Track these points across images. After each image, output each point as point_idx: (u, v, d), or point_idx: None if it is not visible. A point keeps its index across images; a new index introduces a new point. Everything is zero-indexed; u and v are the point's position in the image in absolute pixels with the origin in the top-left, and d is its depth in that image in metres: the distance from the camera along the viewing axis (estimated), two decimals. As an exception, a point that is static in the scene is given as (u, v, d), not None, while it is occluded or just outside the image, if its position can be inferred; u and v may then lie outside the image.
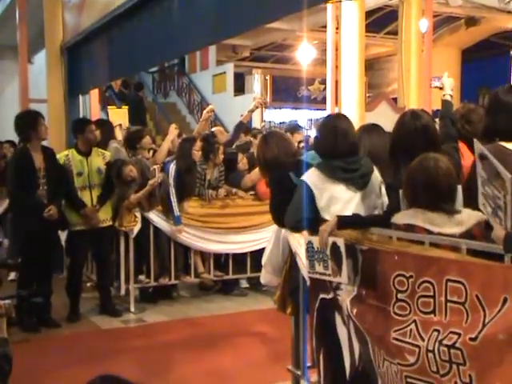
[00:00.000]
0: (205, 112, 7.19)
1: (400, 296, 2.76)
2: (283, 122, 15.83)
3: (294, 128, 7.84)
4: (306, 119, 14.94)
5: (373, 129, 3.99)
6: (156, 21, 6.13)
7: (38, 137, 5.65)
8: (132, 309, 6.27)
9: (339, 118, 3.72)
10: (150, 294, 6.68)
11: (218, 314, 6.27)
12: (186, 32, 5.60)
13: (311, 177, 3.51)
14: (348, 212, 3.33)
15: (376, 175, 3.58)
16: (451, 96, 4.01)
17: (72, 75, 8.76)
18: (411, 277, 2.69)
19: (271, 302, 4.32)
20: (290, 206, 3.56)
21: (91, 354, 5.06)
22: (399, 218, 2.94)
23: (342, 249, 3.06)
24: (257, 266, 6.75)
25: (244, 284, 7.13)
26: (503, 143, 3.08)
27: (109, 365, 4.79)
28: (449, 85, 3.99)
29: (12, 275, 7.71)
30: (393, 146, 3.36)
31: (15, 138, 8.67)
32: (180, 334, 5.62)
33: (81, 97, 9.07)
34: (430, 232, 2.77)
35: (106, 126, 7.03)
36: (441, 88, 4.08)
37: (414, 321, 2.62)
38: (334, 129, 3.55)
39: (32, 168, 5.55)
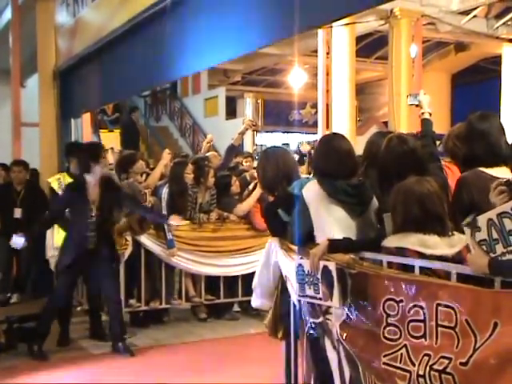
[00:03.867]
0: (205, 143, 7.36)
1: (390, 320, 2.76)
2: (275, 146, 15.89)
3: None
4: (297, 142, 15.03)
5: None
6: (148, 46, 6.18)
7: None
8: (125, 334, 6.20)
9: (340, 138, 3.68)
10: (141, 319, 6.63)
11: (209, 338, 6.22)
12: (177, 57, 5.65)
13: (310, 192, 3.46)
14: (341, 236, 3.31)
15: (374, 203, 3.54)
16: (430, 114, 4.06)
17: (64, 99, 8.79)
18: (401, 301, 2.70)
19: (263, 325, 4.30)
20: (293, 220, 3.55)
21: (81, 379, 5.01)
22: (389, 242, 2.94)
23: (334, 273, 3.06)
24: (248, 290, 6.70)
25: (235, 308, 7.10)
26: (483, 169, 3.12)
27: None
28: (426, 102, 4.04)
29: (14, 297, 7.68)
30: (381, 171, 3.38)
31: (7, 161, 8.70)
32: (171, 359, 5.56)
33: (73, 120, 9.08)
34: (422, 254, 2.77)
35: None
36: (417, 105, 4.13)
37: (405, 345, 2.62)
38: (336, 149, 3.52)
39: None
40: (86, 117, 9.33)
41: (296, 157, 4.79)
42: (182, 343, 6.05)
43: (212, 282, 6.80)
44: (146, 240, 6.35)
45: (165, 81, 10.15)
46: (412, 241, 2.81)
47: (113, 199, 5.69)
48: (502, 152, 3.20)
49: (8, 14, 10.81)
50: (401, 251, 2.84)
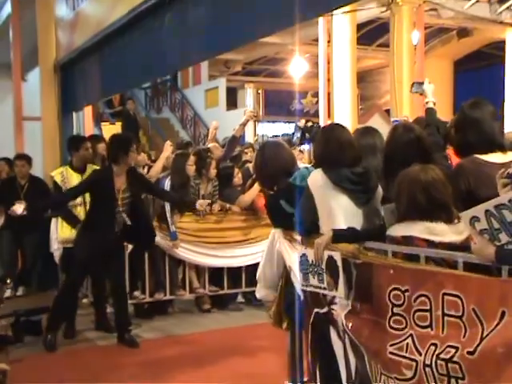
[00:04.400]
0: (211, 130, 7.31)
1: (396, 310, 2.76)
2: (276, 136, 15.87)
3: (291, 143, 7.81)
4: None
5: (367, 131, 3.95)
6: (148, 38, 6.16)
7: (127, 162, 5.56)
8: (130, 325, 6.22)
9: (340, 128, 3.67)
10: (146, 310, 6.65)
11: (214, 329, 6.23)
12: (177, 49, 5.64)
13: (315, 180, 3.46)
14: (346, 225, 3.30)
15: (379, 191, 3.52)
16: (434, 103, 4.05)
17: (65, 92, 8.79)
18: (407, 291, 2.69)
19: (267, 316, 4.31)
20: (298, 209, 3.55)
21: (87, 370, 5.02)
22: (395, 231, 2.92)
23: (339, 263, 3.06)
24: (252, 281, 6.74)
25: (239, 299, 7.11)
26: (477, 155, 3.12)
27: (104, 381, 4.77)
28: (430, 91, 4.02)
29: (8, 292, 7.69)
30: (386, 159, 3.37)
31: (11, 155, 8.70)
32: (176, 350, 5.57)
33: (74, 114, 9.08)
34: (430, 242, 2.76)
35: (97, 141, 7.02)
36: (421, 94, 4.12)
37: (411, 335, 2.61)
38: (338, 140, 3.50)
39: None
40: (88, 110, 9.34)
41: (297, 135, 4.76)
42: (186, 334, 6.06)
43: (216, 273, 6.81)
44: (150, 232, 6.35)
45: (165, 73, 10.13)
46: (419, 229, 2.79)
47: (139, 190, 5.71)
48: (496, 138, 3.20)
49: (8, 8, 10.80)
50: (408, 240, 2.81)
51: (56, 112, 8.88)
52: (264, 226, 6.34)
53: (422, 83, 4.18)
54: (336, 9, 5.94)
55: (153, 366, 5.13)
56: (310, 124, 4.53)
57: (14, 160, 8.03)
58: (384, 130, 3.82)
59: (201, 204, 5.92)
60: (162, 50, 5.84)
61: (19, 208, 5.25)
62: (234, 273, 6.84)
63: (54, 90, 8.88)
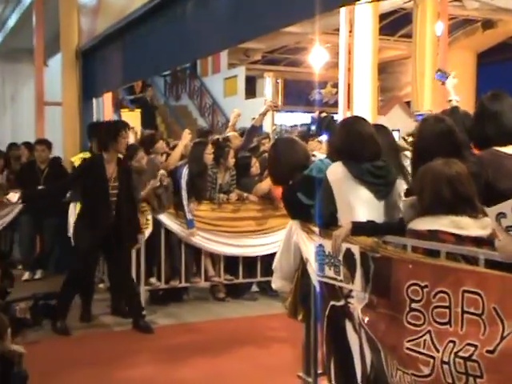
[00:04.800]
0: (232, 117, 7.30)
1: (414, 305, 2.73)
2: (295, 125, 15.80)
3: (308, 135, 7.74)
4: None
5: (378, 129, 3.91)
6: (170, 25, 6.14)
7: (117, 149, 5.58)
8: (143, 311, 6.25)
9: (361, 121, 3.63)
10: (161, 297, 6.68)
11: (228, 317, 6.25)
12: (199, 37, 5.60)
13: (334, 173, 3.43)
14: (365, 219, 3.27)
15: (398, 185, 3.50)
16: (457, 101, 4.01)
17: (86, 79, 8.81)
18: (426, 286, 2.67)
19: (281, 306, 4.31)
20: (316, 201, 3.53)
21: (102, 355, 5.08)
22: (419, 224, 2.86)
23: (357, 256, 3.04)
24: (267, 271, 6.73)
25: (254, 288, 7.12)
26: (497, 148, 3.07)
27: (119, 366, 4.82)
28: (451, 86, 3.98)
29: (26, 275, 7.77)
30: (416, 151, 3.31)
31: (31, 140, 8.76)
32: (190, 338, 5.60)
33: (94, 100, 9.11)
34: (456, 236, 2.71)
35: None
36: (442, 83, 4.07)
37: (429, 331, 2.59)
38: (360, 133, 3.47)
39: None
40: (108, 96, 9.35)
41: (313, 127, 4.74)
42: (200, 322, 6.09)
43: (231, 262, 6.81)
44: (166, 219, 6.38)
45: (187, 61, 10.10)
46: (444, 223, 2.75)
47: (129, 178, 5.72)
48: None
49: (32, -6, 10.83)
50: (433, 234, 2.77)
51: (77, 98, 8.91)
52: (280, 216, 6.32)
53: (446, 74, 4.13)
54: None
55: (167, 352, 5.16)
56: (323, 115, 4.51)
57: (34, 145, 8.11)
58: (404, 122, 3.79)
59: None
60: (184, 37, 5.81)
61: (14, 197, 5.32)
62: (250, 262, 6.85)
63: (76, 76, 8.91)
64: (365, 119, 3.69)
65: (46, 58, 11.43)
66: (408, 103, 12.80)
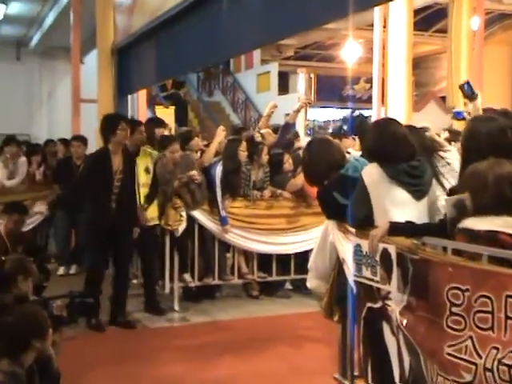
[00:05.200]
0: (268, 108, 7.19)
1: (454, 309, 2.67)
2: (328, 121, 15.74)
3: (341, 133, 7.66)
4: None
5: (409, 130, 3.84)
6: (205, 23, 6.14)
7: (117, 140, 5.64)
8: (176, 307, 6.30)
9: (394, 123, 3.60)
10: (193, 294, 6.70)
11: (261, 316, 6.25)
12: (234, 35, 5.60)
13: (370, 174, 3.40)
14: (403, 220, 3.21)
15: (435, 186, 3.46)
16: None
17: (121, 76, 8.88)
18: (467, 290, 2.60)
19: (315, 304, 4.27)
20: (350, 202, 3.50)
21: (134, 352, 5.12)
22: (475, 224, 2.77)
23: (393, 256, 2.99)
24: (301, 268, 6.71)
25: (288, 286, 7.10)
26: None
27: (150, 364, 4.84)
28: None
29: (61, 270, 7.88)
30: (465, 150, 3.23)
31: (66, 136, 8.87)
32: (222, 336, 5.61)
33: (129, 96, 9.18)
34: None
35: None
36: (469, 99, 3.99)
37: (470, 337, 2.53)
38: (393, 135, 3.44)
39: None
40: (142, 93, 9.42)
41: (344, 126, 4.72)
42: (233, 320, 6.09)
43: (264, 260, 6.80)
44: (200, 216, 6.39)
45: (221, 59, 10.07)
46: (499, 223, 2.65)
47: (133, 169, 5.77)
48: None
49: (69, -7, 10.95)
50: (492, 234, 2.66)
51: (112, 95, 8.99)
52: (313, 214, 6.31)
53: (474, 90, 4.05)
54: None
55: (198, 350, 5.17)
56: (355, 114, 4.47)
57: (70, 141, 8.22)
58: (439, 118, 3.73)
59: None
60: (218, 35, 5.81)
61: (42, 208, 5.44)
62: (283, 260, 6.83)
63: (111, 73, 8.99)
64: (397, 120, 3.67)
65: (82, 56, 11.56)
66: (443, 98, 12.60)
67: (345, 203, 3.63)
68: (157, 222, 6.17)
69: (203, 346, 5.30)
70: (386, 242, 3.11)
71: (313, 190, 6.06)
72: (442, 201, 3.43)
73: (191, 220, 6.34)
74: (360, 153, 4.16)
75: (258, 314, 6.28)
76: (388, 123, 3.66)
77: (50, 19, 15.40)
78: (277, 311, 6.38)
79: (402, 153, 3.39)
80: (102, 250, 5.76)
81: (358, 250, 3.31)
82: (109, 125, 5.70)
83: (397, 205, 3.32)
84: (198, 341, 5.46)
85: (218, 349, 5.20)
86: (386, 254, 3.09)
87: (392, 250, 3.04)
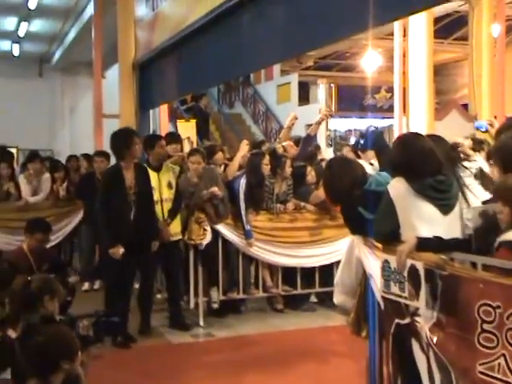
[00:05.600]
0: (289, 119, 7.18)
1: (486, 327, 2.64)
2: (349, 130, 15.69)
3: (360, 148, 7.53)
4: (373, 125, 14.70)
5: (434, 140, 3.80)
6: (226, 38, 6.17)
7: (132, 155, 5.67)
8: (201, 323, 6.28)
9: (419, 137, 3.57)
10: (218, 308, 6.66)
11: (286, 329, 6.21)
12: (256, 49, 5.62)
13: (396, 188, 3.37)
14: (430, 235, 3.19)
15: (461, 200, 3.43)
16: None
17: (143, 90, 8.94)
18: (498, 307, 2.57)
19: (340, 317, 4.24)
20: (376, 217, 3.47)
21: (161, 368, 5.11)
22: None
23: (421, 272, 2.96)
24: (325, 281, 6.69)
25: (312, 299, 7.06)
26: None
27: (178, 380, 4.83)
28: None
29: (85, 285, 7.91)
30: (500, 163, 3.18)
31: (88, 151, 8.93)
32: (249, 351, 5.58)
33: (151, 111, 9.24)
34: None
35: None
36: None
37: (503, 355, 2.49)
38: (420, 151, 3.40)
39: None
40: (164, 107, 9.47)
41: (361, 141, 4.69)
42: (258, 334, 6.05)
43: (289, 273, 6.77)
44: (224, 229, 6.38)
45: (243, 73, 10.09)
46: None
47: (148, 186, 5.75)
48: None
49: (90, 9, 11.06)
50: None
51: (134, 109, 9.05)
52: (337, 226, 6.28)
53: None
54: (414, 13, 5.64)
55: (224, 366, 5.15)
56: (372, 129, 4.45)
57: (93, 156, 8.25)
58: (462, 127, 3.70)
59: None
60: (240, 50, 5.83)
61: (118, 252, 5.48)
62: (308, 273, 6.79)
63: (132, 88, 9.05)
64: (422, 135, 3.63)
65: (104, 70, 11.67)
66: (464, 106, 12.50)
67: (369, 218, 3.60)
68: (180, 237, 6.18)
69: (228, 362, 5.27)
70: (413, 257, 3.08)
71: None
72: (467, 214, 3.41)
73: (215, 234, 6.33)
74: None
75: (283, 328, 6.25)
76: (414, 138, 3.62)
77: (71, 35, 15.62)
78: (302, 325, 6.34)
79: (429, 168, 3.36)
80: (121, 266, 5.64)
81: (386, 265, 3.28)
82: (123, 140, 5.68)
83: (423, 219, 3.29)
84: (223, 356, 5.44)
85: (243, 364, 5.17)
86: (413, 270, 3.05)
87: (420, 266, 3.00)
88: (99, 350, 5.29)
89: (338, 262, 6.13)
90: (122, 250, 5.49)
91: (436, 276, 2.97)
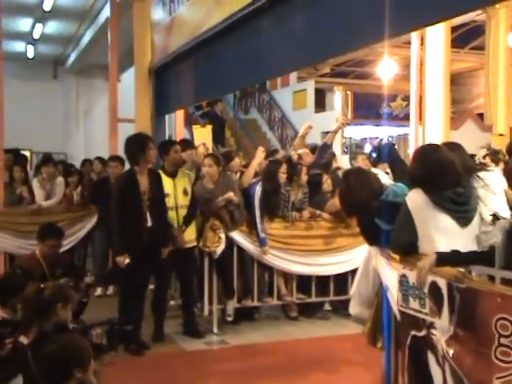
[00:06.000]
0: (303, 128, 7.17)
1: (503, 341, 2.63)
2: (364, 139, 15.66)
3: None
4: (387, 136, 14.69)
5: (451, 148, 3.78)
6: (243, 45, 6.17)
7: (147, 160, 5.68)
8: (215, 330, 6.27)
9: (439, 149, 3.55)
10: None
11: (300, 338, 6.18)
12: (274, 56, 5.62)
13: (414, 200, 3.36)
14: (448, 247, 3.17)
15: (479, 212, 3.42)
16: None
17: (159, 95, 8.93)
18: (516, 322, 2.56)
19: (355, 326, 4.21)
20: (393, 229, 3.46)
21: (175, 376, 5.11)
22: None
23: (444, 290, 2.94)
24: (340, 289, 6.67)
25: (327, 307, 7.04)
26: None
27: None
28: None
29: (98, 291, 7.92)
30: None
31: (102, 154, 8.93)
32: (261, 360, 5.56)
33: (166, 116, 9.23)
34: None
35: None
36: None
37: (521, 369, 2.47)
38: (439, 163, 3.39)
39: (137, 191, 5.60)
40: (179, 112, 9.46)
41: (374, 154, 4.69)
42: (272, 342, 6.03)
43: (304, 281, 6.74)
44: (239, 237, 6.37)
45: (259, 80, 10.05)
46: None
47: (161, 192, 5.75)
48: None
49: (106, 12, 11.09)
50: None
51: (149, 114, 9.04)
52: (353, 234, 6.27)
53: None
54: (431, 24, 5.62)
55: (237, 375, 5.13)
56: (384, 142, 4.45)
57: (107, 161, 8.25)
58: (477, 137, 3.68)
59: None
60: (256, 57, 5.83)
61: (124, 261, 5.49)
62: (322, 281, 6.77)
63: (148, 93, 9.05)
64: (441, 146, 3.61)
65: (119, 74, 11.69)
66: (480, 115, 12.44)
67: (386, 229, 3.59)
68: (195, 244, 6.17)
69: (242, 370, 5.26)
70: (434, 274, 3.05)
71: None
72: (483, 226, 3.39)
73: (230, 241, 6.32)
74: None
75: (296, 336, 6.23)
76: (434, 150, 3.59)
77: (86, 38, 15.63)
78: (316, 333, 6.32)
79: (448, 180, 3.34)
80: (134, 273, 5.61)
81: (404, 280, 3.26)
82: (137, 145, 5.68)
83: (441, 231, 3.27)
84: (237, 365, 5.43)
85: (256, 372, 5.16)
86: (435, 286, 3.04)
87: (442, 283, 2.98)
88: (112, 357, 5.34)
89: (352, 271, 6.18)
90: (127, 260, 5.50)
91: (454, 289, 2.96)
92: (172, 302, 6.97)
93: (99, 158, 8.84)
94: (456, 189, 3.35)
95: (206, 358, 5.63)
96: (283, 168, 6.42)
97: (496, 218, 3.38)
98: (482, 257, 3.02)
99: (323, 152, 6.95)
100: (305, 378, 4.99)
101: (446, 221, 3.29)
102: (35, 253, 5.31)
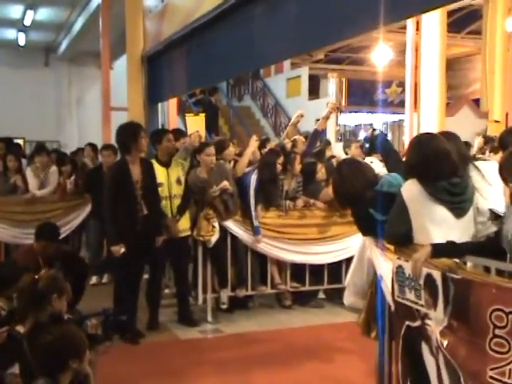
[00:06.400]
0: (294, 117, 7.12)
1: (498, 332, 2.61)
2: (358, 125, 15.61)
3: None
4: (382, 123, 14.65)
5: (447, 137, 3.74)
6: (236, 33, 6.11)
7: (139, 149, 5.63)
8: (209, 319, 6.27)
9: (436, 138, 3.49)
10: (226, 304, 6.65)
11: (294, 326, 6.19)
12: (267, 44, 5.56)
13: (409, 190, 3.33)
14: (443, 238, 3.14)
15: (475, 203, 3.38)
16: None
17: (152, 84, 8.85)
18: (511, 313, 2.53)
19: (349, 314, 4.20)
20: (388, 219, 3.43)
21: (169, 364, 5.11)
22: None
23: (439, 282, 2.91)
24: (334, 278, 6.67)
25: (320, 295, 7.03)
26: None
27: (183, 377, 4.82)
28: None
29: (93, 279, 7.90)
30: None
31: (98, 143, 8.87)
32: (256, 347, 5.58)
33: (159, 104, 9.17)
34: None
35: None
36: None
37: (515, 361, 2.46)
38: (435, 152, 3.34)
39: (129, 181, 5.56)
40: (172, 101, 9.39)
41: (366, 145, 4.65)
42: (266, 331, 6.04)
43: (297, 269, 6.73)
44: (233, 226, 6.34)
45: (253, 67, 10.00)
46: None
47: (153, 181, 5.73)
48: None
49: (98, -1, 10.98)
50: None
51: (142, 103, 8.97)
52: (347, 223, 6.24)
53: None
54: (427, 11, 5.56)
55: (231, 363, 5.14)
56: (376, 133, 4.40)
57: (100, 150, 8.20)
58: (473, 123, 3.63)
59: None
60: (250, 44, 5.78)
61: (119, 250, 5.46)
62: (316, 269, 6.75)
63: (141, 81, 8.96)
64: (437, 136, 3.56)
65: (111, 61, 11.59)
66: (475, 100, 12.40)
67: (381, 219, 3.56)
68: (189, 233, 6.15)
69: (236, 358, 5.26)
70: (429, 265, 3.02)
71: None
72: (479, 216, 3.37)
73: (224, 231, 6.30)
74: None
75: (290, 325, 6.23)
76: (430, 138, 3.53)
77: (78, 25, 15.48)
78: (310, 321, 6.32)
79: (444, 170, 3.30)
80: (128, 262, 5.58)
81: (400, 271, 3.23)
82: (129, 134, 5.62)
83: (436, 222, 3.24)
84: (231, 353, 5.43)
85: (250, 360, 5.17)
86: (430, 279, 3.01)
87: (437, 275, 2.95)
88: (107, 346, 5.34)
89: (346, 259, 6.18)
90: (122, 250, 5.48)
91: (448, 280, 2.93)
92: (166, 291, 6.97)
93: (91, 145, 8.79)
94: (452, 179, 3.31)
95: (200, 346, 5.64)
96: (280, 159, 6.37)
97: (494, 214, 3.35)
98: (478, 247, 2.99)
99: (315, 139, 6.91)
100: (299, 367, 5.00)
101: (441, 212, 3.26)
102: (32, 246, 5.29)
